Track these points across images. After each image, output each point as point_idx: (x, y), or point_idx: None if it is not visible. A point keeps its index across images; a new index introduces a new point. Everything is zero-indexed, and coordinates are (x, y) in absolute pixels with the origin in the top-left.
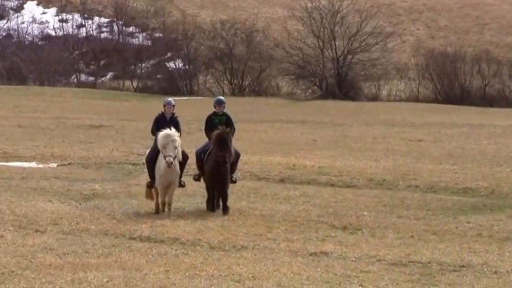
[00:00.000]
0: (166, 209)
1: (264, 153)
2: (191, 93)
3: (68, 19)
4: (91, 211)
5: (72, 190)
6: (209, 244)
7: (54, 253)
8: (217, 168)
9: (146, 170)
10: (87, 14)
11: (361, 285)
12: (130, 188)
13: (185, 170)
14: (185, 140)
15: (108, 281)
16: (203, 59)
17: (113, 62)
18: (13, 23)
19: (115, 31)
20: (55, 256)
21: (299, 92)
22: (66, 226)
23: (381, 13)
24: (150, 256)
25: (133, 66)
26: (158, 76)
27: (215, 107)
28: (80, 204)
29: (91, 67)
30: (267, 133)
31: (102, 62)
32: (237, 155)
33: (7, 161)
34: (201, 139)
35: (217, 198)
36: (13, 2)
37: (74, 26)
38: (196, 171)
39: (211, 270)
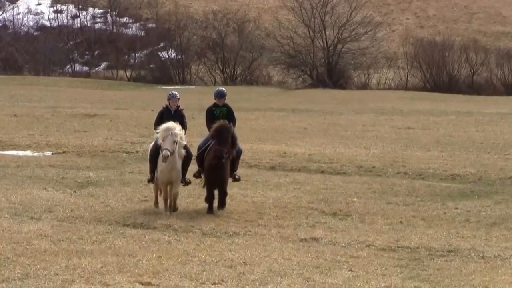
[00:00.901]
0: (168, 210)
1: (255, 141)
2: (183, 82)
3: (62, 10)
4: (85, 199)
5: (66, 178)
6: (201, 230)
7: (49, 240)
8: (216, 164)
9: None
10: (81, 5)
11: (351, 270)
12: (123, 176)
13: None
14: None
15: (102, 267)
16: (195, 49)
17: (107, 52)
18: (8, 14)
19: (109, 21)
20: (49, 243)
21: (290, 81)
22: (60, 213)
23: (370, 3)
24: (143, 242)
25: (126, 56)
26: (151, 65)
27: (215, 99)
28: (75, 191)
29: (86, 57)
30: (258, 121)
31: (96, 52)
32: (239, 152)
33: (2, 149)
34: (192, 128)
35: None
36: None
37: (68, 17)
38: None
39: (203, 256)
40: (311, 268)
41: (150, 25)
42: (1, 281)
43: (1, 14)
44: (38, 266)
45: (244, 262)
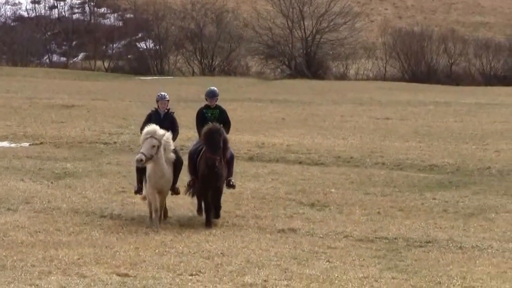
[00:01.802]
0: (156, 222)
1: (234, 131)
2: (161, 73)
3: (40, 1)
4: (63, 190)
5: (44, 169)
6: (179, 221)
7: (26, 231)
8: (209, 172)
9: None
10: None
11: (328, 261)
12: (101, 167)
13: None
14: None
15: (79, 259)
16: (173, 39)
17: (84, 42)
18: None
19: (87, 12)
20: (26, 234)
21: (268, 72)
22: (37, 205)
23: None
24: (120, 233)
25: (104, 47)
26: (129, 56)
27: (206, 99)
28: (52, 182)
29: (63, 47)
30: (236, 112)
31: (74, 43)
32: (232, 156)
33: None
34: None
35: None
36: None
37: (46, 8)
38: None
39: (180, 247)
40: (289, 259)
41: (128, 16)
42: None
43: None
44: (15, 258)
45: (221, 253)
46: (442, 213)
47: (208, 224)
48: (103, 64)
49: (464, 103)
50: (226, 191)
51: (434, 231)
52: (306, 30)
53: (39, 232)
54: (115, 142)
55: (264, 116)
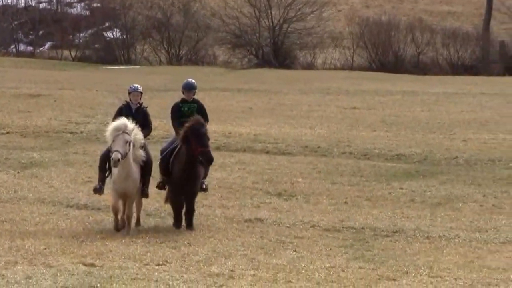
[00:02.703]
0: (126, 228)
1: None
2: (128, 62)
3: None
4: (29, 180)
5: (10, 159)
6: (145, 211)
7: None
8: (188, 171)
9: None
10: None
11: (295, 250)
12: (68, 156)
13: None
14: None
15: (45, 249)
16: (140, 28)
17: (51, 32)
18: None
19: (54, 1)
20: None
21: (236, 61)
22: (4, 194)
23: None
24: (87, 223)
25: (71, 36)
26: (96, 45)
27: (183, 93)
28: (18, 172)
29: (30, 37)
30: (204, 101)
31: (40, 32)
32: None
33: None
34: None
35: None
36: None
37: None
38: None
39: (147, 237)
40: (256, 249)
41: (95, 5)
42: None
43: None
44: None
45: (188, 243)
46: (409, 202)
47: (177, 224)
48: (70, 53)
49: (432, 93)
50: None
51: (401, 220)
52: (273, 20)
53: (5, 222)
54: (81, 132)
55: (231, 106)
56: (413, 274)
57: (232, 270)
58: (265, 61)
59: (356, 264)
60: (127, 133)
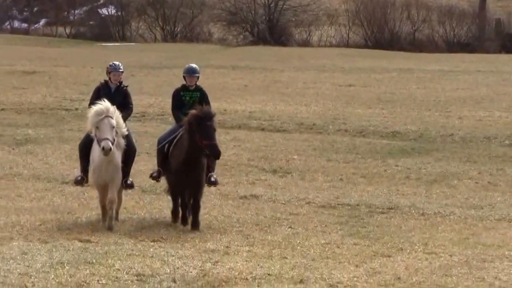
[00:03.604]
0: (107, 221)
1: None
2: (123, 39)
3: None
4: (24, 156)
5: (5, 135)
6: (141, 187)
7: None
8: (189, 163)
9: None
10: None
11: (291, 227)
12: (62, 133)
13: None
14: None
15: (40, 225)
16: (135, 5)
17: (46, 9)
18: None
19: None
20: None
21: (231, 38)
22: None
23: None
24: (82, 200)
25: (66, 13)
26: (91, 22)
27: (184, 78)
28: (13, 149)
29: (25, 13)
30: (199, 80)
31: (35, 9)
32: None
33: None
34: (133, 91)
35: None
36: None
37: None
38: (156, 167)
39: (142, 213)
40: (251, 225)
41: None
42: None
43: None
44: None
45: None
46: (404, 179)
47: (184, 220)
48: (65, 30)
49: (427, 70)
50: None
51: (396, 197)
52: None
53: (1, 198)
54: (76, 109)
55: (227, 83)
56: (408, 251)
57: (227, 247)
58: (260, 38)
59: (351, 241)
60: (110, 117)
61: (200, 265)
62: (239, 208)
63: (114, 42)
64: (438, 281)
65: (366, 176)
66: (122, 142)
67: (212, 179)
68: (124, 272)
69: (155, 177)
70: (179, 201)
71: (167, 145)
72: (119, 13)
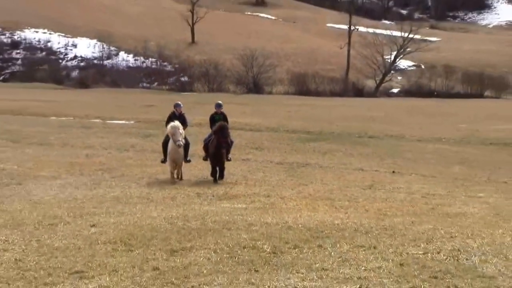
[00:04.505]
0: (177, 178)
1: None
2: (190, 91)
3: None
4: None
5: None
6: (196, 165)
7: None
8: (217, 151)
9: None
10: None
11: (263, 172)
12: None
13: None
14: None
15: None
16: (196, 75)
17: None
18: None
19: None
20: None
21: (237, 89)
22: None
23: None
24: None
25: None
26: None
27: (215, 109)
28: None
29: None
30: (222, 108)
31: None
32: (232, 142)
33: None
34: None
35: (218, 172)
36: None
37: None
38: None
39: (194, 175)
40: (244, 173)
41: None
42: None
43: None
44: None
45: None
46: (312, 152)
47: (215, 181)
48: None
49: None
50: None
51: (309, 159)
52: (254, 71)
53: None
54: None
55: (235, 110)
56: (314, 183)
57: (234, 183)
58: (250, 90)
59: (289, 178)
60: (179, 129)
61: (223, 189)
62: (240, 165)
63: (185, 92)
64: (329, 196)
65: (297, 150)
66: (183, 141)
67: (229, 158)
68: (191, 192)
69: (205, 159)
70: (216, 169)
71: (208, 142)
72: (188, 79)
